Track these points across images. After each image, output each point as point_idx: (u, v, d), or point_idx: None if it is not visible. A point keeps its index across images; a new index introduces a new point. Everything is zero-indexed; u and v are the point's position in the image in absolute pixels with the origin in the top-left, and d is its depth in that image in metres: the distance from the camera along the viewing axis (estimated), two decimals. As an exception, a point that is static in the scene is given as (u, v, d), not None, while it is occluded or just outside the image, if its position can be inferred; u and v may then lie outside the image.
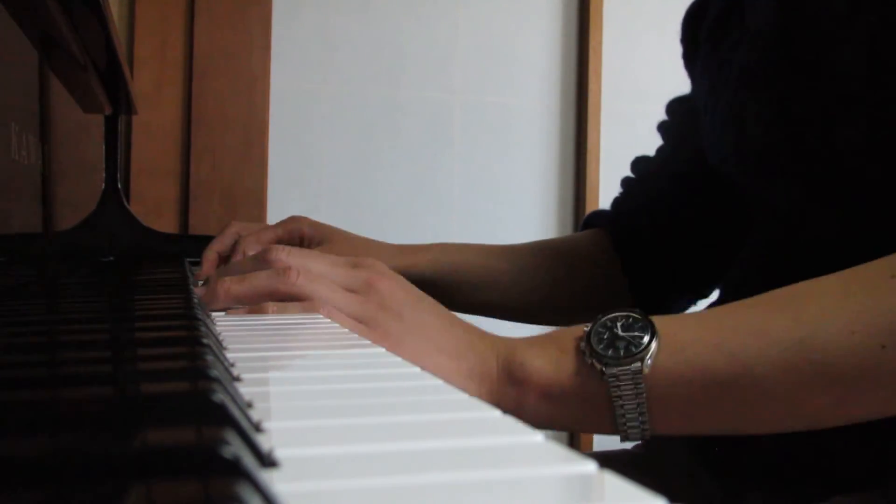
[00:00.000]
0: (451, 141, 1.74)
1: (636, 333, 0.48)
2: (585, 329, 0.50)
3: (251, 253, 0.70)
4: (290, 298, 0.54)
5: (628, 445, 0.83)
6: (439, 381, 0.32)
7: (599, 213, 0.91)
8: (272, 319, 0.52)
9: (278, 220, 0.85)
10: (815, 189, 0.59)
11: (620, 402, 0.48)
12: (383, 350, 0.40)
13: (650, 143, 0.89)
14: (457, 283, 0.83)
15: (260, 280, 0.55)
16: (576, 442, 1.79)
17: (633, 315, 0.49)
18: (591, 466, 0.21)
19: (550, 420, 0.51)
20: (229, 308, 0.57)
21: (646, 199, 0.85)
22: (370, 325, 0.52)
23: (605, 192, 1.75)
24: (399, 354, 0.51)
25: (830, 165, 0.57)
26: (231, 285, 0.56)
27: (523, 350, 0.51)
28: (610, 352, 0.48)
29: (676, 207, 0.82)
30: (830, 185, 0.57)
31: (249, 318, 0.54)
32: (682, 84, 0.82)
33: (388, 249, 0.84)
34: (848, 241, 0.49)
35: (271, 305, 0.54)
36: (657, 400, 0.48)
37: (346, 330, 0.49)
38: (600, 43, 1.79)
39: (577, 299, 0.86)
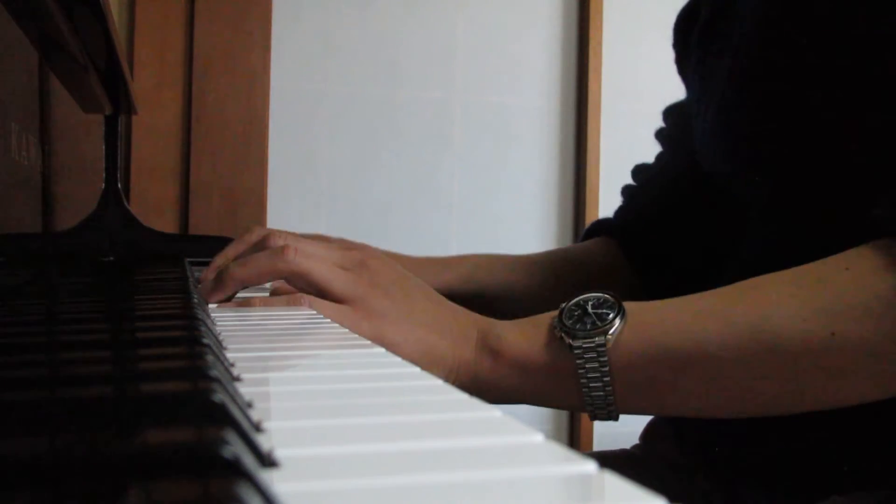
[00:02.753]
0: (451, 141, 1.74)
1: (604, 311, 0.52)
2: (561, 306, 0.54)
3: None
4: (287, 276, 0.58)
5: (628, 445, 0.83)
6: (439, 381, 0.32)
7: (603, 222, 0.91)
8: (272, 319, 0.52)
9: (282, 225, 0.87)
10: (803, 191, 0.59)
11: (586, 375, 0.51)
12: (383, 350, 0.40)
13: (650, 143, 0.89)
14: (481, 298, 0.86)
15: (260, 261, 0.59)
16: (576, 442, 1.79)
17: (606, 296, 0.53)
18: (591, 466, 0.21)
19: (523, 392, 0.55)
20: (223, 302, 0.61)
21: (648, 206, 0.86)
22: (357, 304, 0.55)
23: (606, 192, 1.76)
24: (383, 329, 0.54)
25: (818, 168, 0.57)
26: (235, 270, 0.59)
27: (501, 325, 0.55)
28: (577, 325, 0.52)
29: (677, 212, 0.83)
30: (819, 186, 0.58)
31: (250, 318, 0.54)
32: (681, 85, 0.82)
33: (419, 263, 0.86)
34: (838, 241, 0.50)
35: (258, 300, 0.59)
36: (621, 374, 0.51)
37: (346, 330, 0.49)
38: (600, 43, 1.79)
39: None
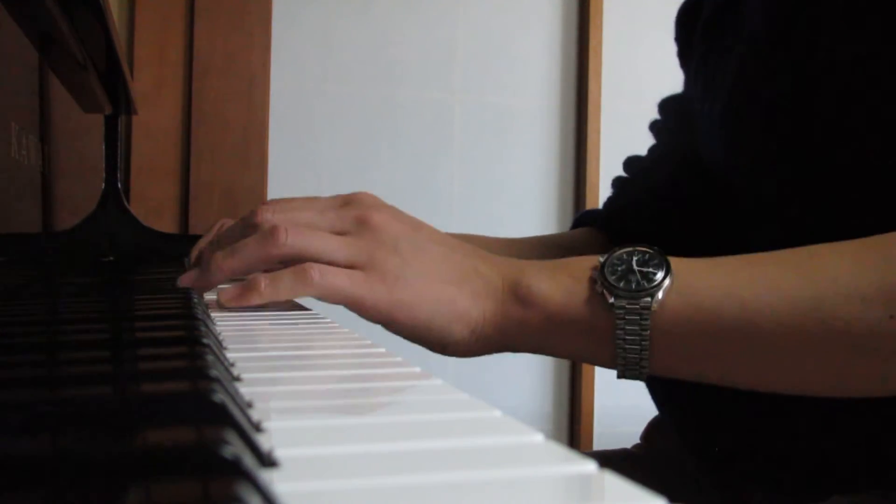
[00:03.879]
0: (451, 141, 1.74)
1: (650, 269, 0.48)
2: (601, 259, 0.50)
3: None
4: (283, 259, 0.52)
5: (628, 445, 0.83)
6: (439, 381, 0.32)
7: (591, 213, 0.91)
8: (272, 319, 0.52)
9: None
10: (808, 189, 0.59)
11: (624, 336, 0.48)
12: (384, 350, 0.40)
13: (650, 143, 0.89)
14: None
15: (250, 249, 0.53)
16: (576, 442, 1.79)
17: (651, 251, 0.49)
18: (591, 466, 0.21)
19: (551, 345, 0.51)
20: (223, 289, 0.55)
21: (638, 197, 0.85)
22: (367, 268, 0.51)
23: (605, 191, 1.75)
24: (398, 290, 0.50)
25: (825, 166, 0.57)
26: (223, 261, 0.54)
27: (531, 274, 0.51)
28: (622, 283, 0.48)
29: (669, 206, 0.82)
30: (825, 184, 0.58)
31: (250, 317, 0.54)
32: (681, 84, 0.82)
33: None
34: (847, 236, 0.49)
35: (263, 280, 0.52)
36: (660, 339, 0.48)
37: (347, 329, 0.48)
38: (600, 43, 1.79)
39: None
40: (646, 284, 0.47)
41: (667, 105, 0.87)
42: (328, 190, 1.66)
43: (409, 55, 1.71)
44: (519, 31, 1.78)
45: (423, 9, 1.71)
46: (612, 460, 0.78)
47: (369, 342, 0.44)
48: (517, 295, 0.50)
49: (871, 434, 0.57)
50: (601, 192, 1.77)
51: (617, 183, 0.89)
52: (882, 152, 0.54)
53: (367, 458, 0.22)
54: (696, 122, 0.71)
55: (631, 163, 0.89)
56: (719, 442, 0.66)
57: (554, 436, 1.76)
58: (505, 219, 1.77)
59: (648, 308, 0.47)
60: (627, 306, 0.47)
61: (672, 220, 0.82)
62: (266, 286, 0.52)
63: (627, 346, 0.48)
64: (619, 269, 0.48)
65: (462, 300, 0.50)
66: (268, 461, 0.21)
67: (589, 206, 1.76)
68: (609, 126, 1.80)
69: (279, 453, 0.22)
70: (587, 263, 0.50)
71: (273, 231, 0.52)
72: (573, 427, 1.81)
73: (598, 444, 1.79)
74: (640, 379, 0.50)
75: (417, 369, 0.35)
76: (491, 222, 1.76)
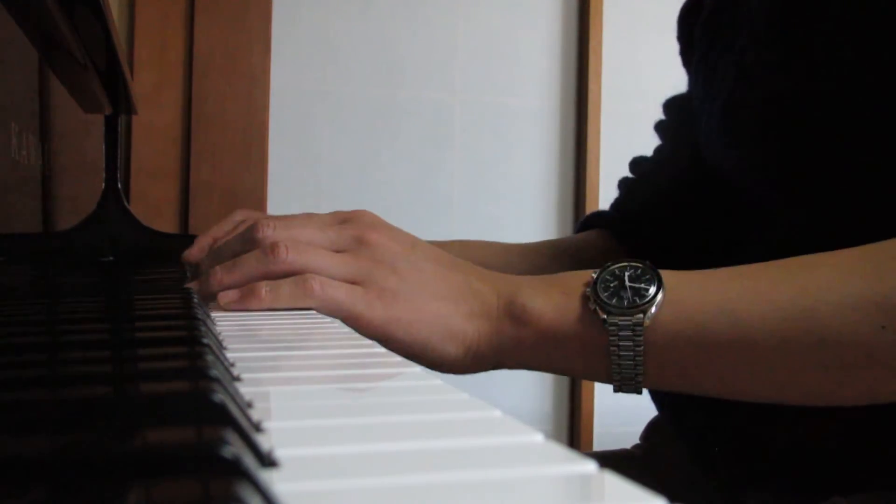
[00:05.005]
0: (451, 141, 1.74)
1: (642, 285, 0.49)
2: (593, 275, 0.50)
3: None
4: (283, 275, 0.53)
5: (628, 445, 0.83)
6: (439, 381, 0.32)
7: (599, 215, 0.90)
8: (273, 319, 0.52)
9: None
10: (808, 188, 0.59)
11: (618, 352, 0.48)
12: (383, 350, 0.40)
13: (650, 143, 0.89)
14: None
15: (250, 265, 0.54)
16: (576, 442, 1.79)
17: (642, 266, 0.49)
18: (591, 466, 0.21)
19: (547, 362, 0.52)
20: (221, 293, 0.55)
21: (646, 199, 0.85)
22: (365, 284, 0.52)
23: (605, 192, 1.75)
24: (395, 308, 0.51)
25: (826, 164, 0.57)
26: (223, 276, 0.54)
27: (526, 291, 0.51)
28: (614, 300, 0.48)
29: (677, 206, 0.82)
30: (824, 184, 0.57)
31: (250, 318, 0.54)
32: (681, 84, 0.82)
33: None
34: (845, 240, 0.49)
35: (264, 287, 0.53)
36: (654, 354, 0.48)
37: (347, 330, 0.48)
38: (600, 43, 1.79)
39: None
40: (638, 301, 0.48)
41: (671, 105, 0.87)
42: (328, 190, 1.66)
43: (409, 55, 1.71)
44: (519, 31, 1.78)
45: (423, 9, 1.71)
46: (612, 460, 0.78)
47: (370, 342, 0.44)
48: (512, 313, 0.51)
49: (870, 434, 0.57)
50: (601, 192, 1.76)
51: (624, 184, 0.88)
52: (882, 151, 0.54)
53: (367, 458, 0.22)
54: (698, 121, 0.71)
55: (637, 164, 0.88)
56: (719, 442, 0.66)
57: (554, 436, 1.76)
58: (505, 218, 1.77)
59: (641, 324, 0.48)
60: (620, 323, 0.48)
61: (679, 223, 0.82)
62: (267, 293, 0.52)
63: (622, 362, 0.49)
64: (612, 285, 0.49)
65: (457, 319, 0.51)
66: (268, 461, 0.21)
67: (589, 205, 1.76)
68: (609, 126, 1.80)
69: (279, 453, 0.22)
70: (580, 280, 0.51)
71: (274, 247, 0.53)
72: (573, 427, 1.81)
73: (598, 444, 1.79)
74: (637, 392, 0.51)
75: (418, 369, 0.35)
76: (491, 222, 1.76)
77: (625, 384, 0.50)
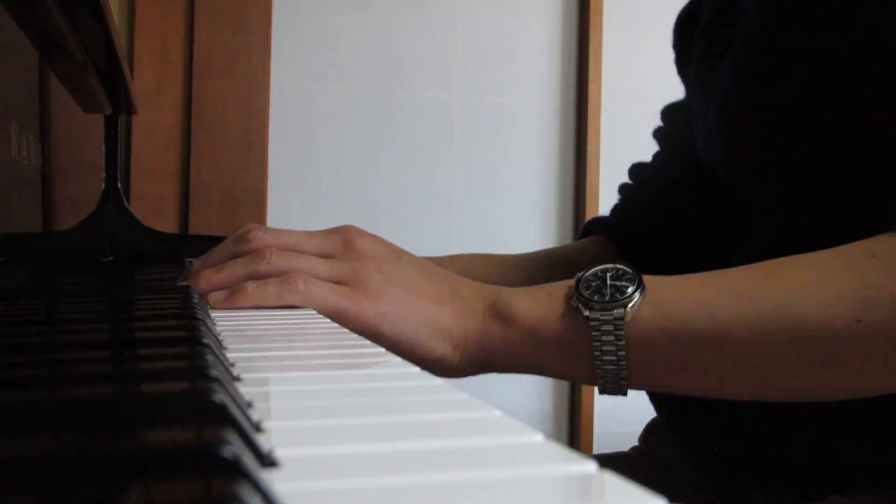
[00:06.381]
0: (451, 141, 1.74)
1: (623, 283, 0.50)
2: (578, 275, 0.52)
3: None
4: (269, 276, 0.54)
5: (627, 446, 0.83)
6: (439, 381, 0.32)
7: (599, 220, 0.91)
8: (273, 319, 0.52)
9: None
10: (805, 191, 0.59)
11: (601, 348, 0.50)
12: (383, 350, 0.40)
13: (650, 143, 0.89)
14: None
15: (238, 266, 0.56)
16: (576, 442, 1.79)
17: (624, 268, 0.51)
18: (591, 466, 0.21)
19: (533, 361, 0.53)
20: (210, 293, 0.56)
21: (645, 205, 0.85)
22: (350, 283, 0.53)
23: (605, 192, 1.76)
24: (382, 305, 0.52)
25: (821, 168, 0.57)
26: (212, 276, 0.56)
27: (510, 293, 0.53)
28: (595, 297, 0.50)
29: (676, 212, 0.82)
30: (821, 187, 0.58)
31: (250, 318, 0.54)
32: (681, 85, 0.82)
33: None
34: (843, 238, 0.49)
35: (251, 285, 0.54)
36: (636, 350, 0.50)
37: (347, 330, 0.49)
38: (600, 43, 1.79)
39: None
40: (618, 297, 0.49)
41: (668, 112, 0.88)
42: (328, 190, 1.66)
43: (409, 55, 1.71)
44: (519, 31, 1.78)
45: (423, 8, 1.71)
46: (611, 461, 0.78)
47: (370, 342, 0.44)
48: (497, 312, 0.52)
49: (870, 434, 0.57)
50: (601, 193, 1.76)
51: (623, 190, 0.89)
52: (876, 154, 0.54)
53: (367, 458, 0.22)
54: (696, 127, 0.72)
55: (636, 170, 0.89)
56: (717, 443, 0.66)
57: (554, 436, 1.76)
58: (504, 218, 1.77)
59: (622, 318, 0.49)
60: (601, 317, 0.49)
61: (677, 228, 0.82)
62: (253, 290, 0.54)
63: (605, 358, 0.50)
64: (594, 284, 0.51)
65: (444, 317, 0.53)
66: (268, 461, 0.21)
67: (589, 204, 1.76)
68: (609, 126, 1.80)
69: (279, 453, 0.22)
70: (566, 283, 0.53)
71: (261, 252, 0.55)
72: (573, 427, 1.81)
73: (598, 445, 1.79)
74: (622, 393, 0.52)
75: (418, 369, 0.35)
76: (491, 222, 1.76)
77: (609, 384, 0.51)
